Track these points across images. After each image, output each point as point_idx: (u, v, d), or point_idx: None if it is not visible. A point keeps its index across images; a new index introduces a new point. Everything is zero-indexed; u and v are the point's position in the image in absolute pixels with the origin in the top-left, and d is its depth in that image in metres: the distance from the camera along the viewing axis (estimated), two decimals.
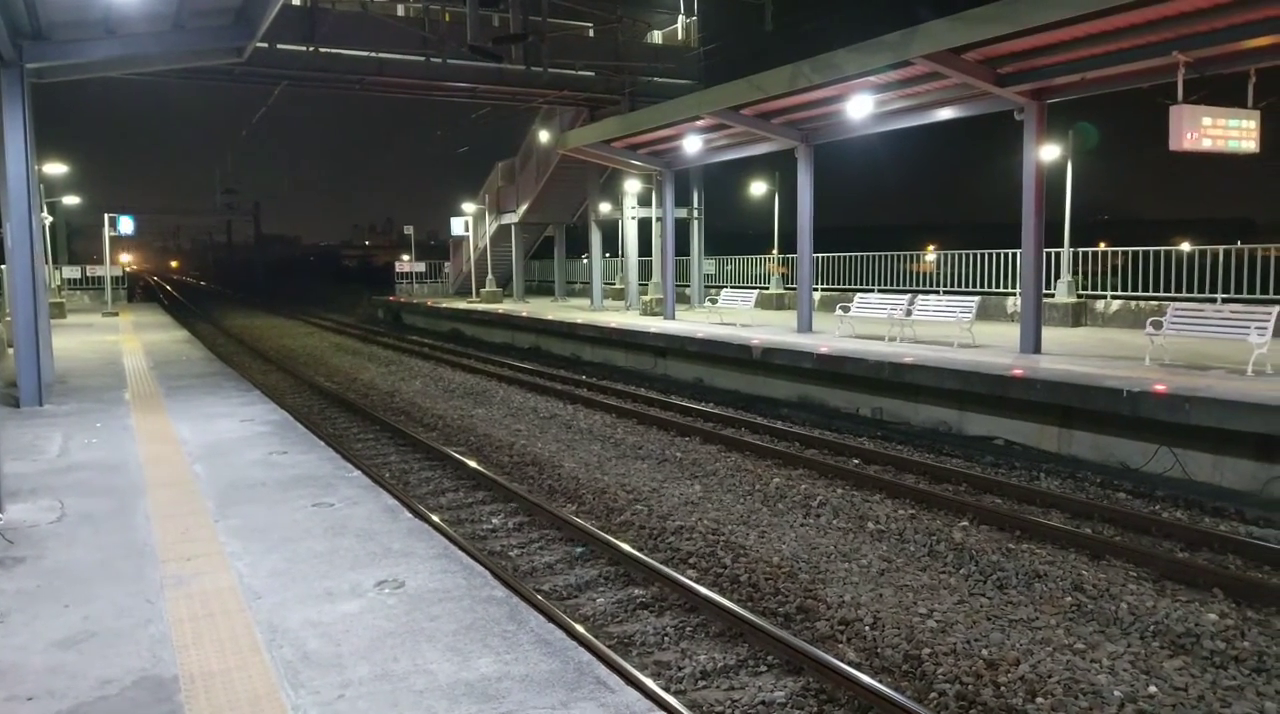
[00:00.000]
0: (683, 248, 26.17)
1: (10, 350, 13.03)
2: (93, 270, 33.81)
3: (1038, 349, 13.45)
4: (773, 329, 18.35)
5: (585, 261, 32.22)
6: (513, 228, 32.26)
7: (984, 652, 5.84)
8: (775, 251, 26.18)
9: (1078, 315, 17.51)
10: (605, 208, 28.02)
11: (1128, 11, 10.42)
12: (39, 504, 6.61)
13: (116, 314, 28.04)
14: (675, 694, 5.38)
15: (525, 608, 4.74)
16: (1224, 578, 6.91)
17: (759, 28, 25.61)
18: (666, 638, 6.18)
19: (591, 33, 27.23)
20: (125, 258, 47.50)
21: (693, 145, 20.36)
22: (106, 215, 29.80)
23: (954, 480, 9.97)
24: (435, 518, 8.64)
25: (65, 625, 4.48)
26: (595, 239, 28.02)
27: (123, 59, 12.51)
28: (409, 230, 42.28)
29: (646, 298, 24.58)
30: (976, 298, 15.65)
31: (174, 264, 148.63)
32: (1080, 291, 17.90)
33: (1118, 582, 6.96)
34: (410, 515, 6.39)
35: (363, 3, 24.68)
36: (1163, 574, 7.10)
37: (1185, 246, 16.53)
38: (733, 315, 20.91)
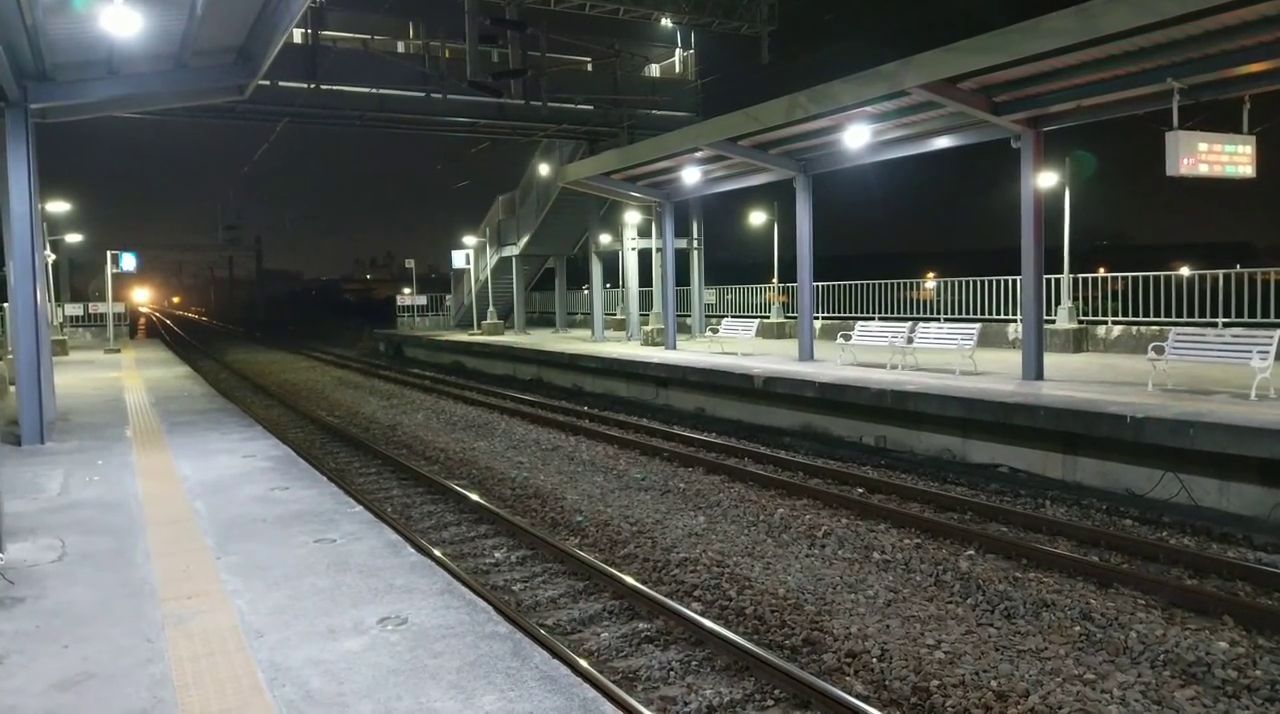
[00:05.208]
0: (683, 278, 26.25)
1: (12, 388, 13.04)
2: (95, 307, 33.88)
3: (1040, 375, 13.43)
4: (774, 358, 18.34)
5: (586, 293, 32.31)
6: (513, 260, 32.38)
7: (993, 683, 5.78)
8: (775, 281, 26.25)
9: (1079, 341, 17.51)
10: (605, 239, 28.13)
11: (1120, 39, 10.51)
12: (39, 543, 6.58)
13: (119, 351, 28.07)
14: None
15: (529, 644, 4.69)
16: (1234, 605, 6.85)
17: (755, 60, 25.94)
18: (672, 672, 6.12)
19: (590, 67, 27.52)
20: (142, 296, 46.82)
21: (691, 177, 20.49)
22: (109, 252, 29.91)
23: (959, 509, 9.92)
24: (437, 552, 8.58)
25: (64, 666, 4.43)
26: (596, 270, 28.12)
27: (126, 98, 12.61)
28: (410, 263, 42.38)
29: (647, 328, 24.60)
30: (977, 325, 15.64)
31: (175, 299, 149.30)
32: (1081, 317, 17.91)
33: (1126, 610, 6.90)
34: (413, 550, 6.35)
35: (363, 40, 24.95)
36: (1172, 602, 7.05)
37: (1185, 271, 16.56)
38: (734, 345, 20.91)
